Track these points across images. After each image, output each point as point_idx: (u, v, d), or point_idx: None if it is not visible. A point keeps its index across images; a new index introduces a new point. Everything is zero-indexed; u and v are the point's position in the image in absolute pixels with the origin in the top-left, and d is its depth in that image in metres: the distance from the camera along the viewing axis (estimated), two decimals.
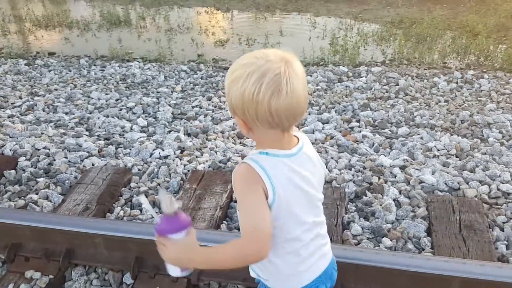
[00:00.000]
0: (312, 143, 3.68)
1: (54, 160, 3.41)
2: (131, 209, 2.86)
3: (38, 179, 3.19)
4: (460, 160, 3.33)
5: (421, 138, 3.72)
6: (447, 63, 6.19)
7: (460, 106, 4.45)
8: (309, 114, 4.33)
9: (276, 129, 1.24)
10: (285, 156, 1.28)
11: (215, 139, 3.84)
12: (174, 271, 1.38)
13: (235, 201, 2.89)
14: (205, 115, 4.43)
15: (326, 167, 3.26)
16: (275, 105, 1.16)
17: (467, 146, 3.51)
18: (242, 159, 1.30)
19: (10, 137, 3.83)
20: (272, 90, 1.15)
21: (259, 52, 1.22)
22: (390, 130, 3.97)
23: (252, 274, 1.51)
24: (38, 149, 3.58)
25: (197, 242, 1.33)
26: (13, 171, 3.27)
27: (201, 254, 1.32)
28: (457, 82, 5.07)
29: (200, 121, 4.30)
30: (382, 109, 4.39)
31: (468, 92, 4.81)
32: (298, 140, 1.34)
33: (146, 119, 4.33)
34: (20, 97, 4.97)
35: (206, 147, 3.66)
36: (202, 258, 1.32)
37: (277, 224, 1.28)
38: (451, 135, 3.79)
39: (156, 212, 1.37)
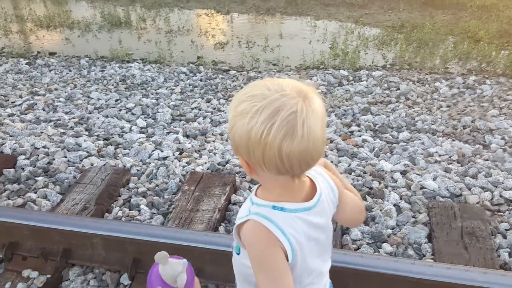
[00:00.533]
0: None
1: (54, 159, 3.39)
2: (129, 210, 2.84)
3: (37, 178, 3.17)
4: (462, 166, 3.31)
5: (422, 143, 3.70)
6: (448, 68, 6.18)
7: (462, 111, 4.44)
8: None
9: (285, 175, 1.06)
10: (303, 210, 1.14)
11: (214, 141, 3.82)
12: None
13: (234, 204, 2.87)
14: (204, 117, 4.41)
15: None
16: (287, 149, 0.98)
17: (469, 152, 3.49)
18: (248, 213, 1.15)
19: (10, 135, 3.81)
20: (285, 132, 0.97)
21: (272, 82, 1.02)
22: (391, 135, 3.95)
23: None
24: (38, 148, 3.55)
25: None
26: (12, 170, 3.24)
27: None
28: (459, 88, 5.06)
29: (199, 123, 4.29)
30: (383, 114, 4.37)
31: (470, 97, 4.79)
32: (314, 185, 1.18)
33: (146, 120, 4.32)
34: (21, 96, 4.95)
35: (205, 149, 3.64)
36: None
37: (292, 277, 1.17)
38: (453, 140, 3.77)
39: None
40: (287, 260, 1.12)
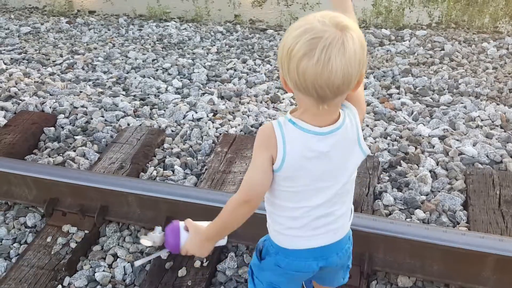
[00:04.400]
0: None
1: (91, 118, 3.48)
2: (163, 170, 2.90)
3: (76, 137, 3.27)
4: (505, 131, 3.17)
5: (465, 107, 3.54)
6: (498, 28, 5.81)
7: (509, 74, 4.20)
8: None
9: (306, 96, 1.17)
10: (313, 133, 1.24)
11: (248, 103, 3.80)
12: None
13: None
14: (239, 78, 4.38)
15: None
16: (303, 67, 1.10)
17: None
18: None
19: (50, 94, 3.92)
20: (304, 51, 1.09)
21: (322, 12, 1.16)
22: (431, 98, 3.80)
23: None
24: (77, 107, 3.65)
25: (197, 224, 1.46)
26: (52, 128, 3.36)
27: (212, 229, 1.43)
28: (507, 48, 4.77)
29: (234, 84, 4.26)
30: (424, 75, 4.20)
31: None
32: (339, 118, 1.27)
33: (181, 81, 4.33)
34: (61, 55, 5.05)
35: (239, 110, 3.63)
36: (214, 231, 1.43)
37: (283, 187, 1.33)
38: (497, 104, 3.59)
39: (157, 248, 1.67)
40: (273, 163, 1.27)
